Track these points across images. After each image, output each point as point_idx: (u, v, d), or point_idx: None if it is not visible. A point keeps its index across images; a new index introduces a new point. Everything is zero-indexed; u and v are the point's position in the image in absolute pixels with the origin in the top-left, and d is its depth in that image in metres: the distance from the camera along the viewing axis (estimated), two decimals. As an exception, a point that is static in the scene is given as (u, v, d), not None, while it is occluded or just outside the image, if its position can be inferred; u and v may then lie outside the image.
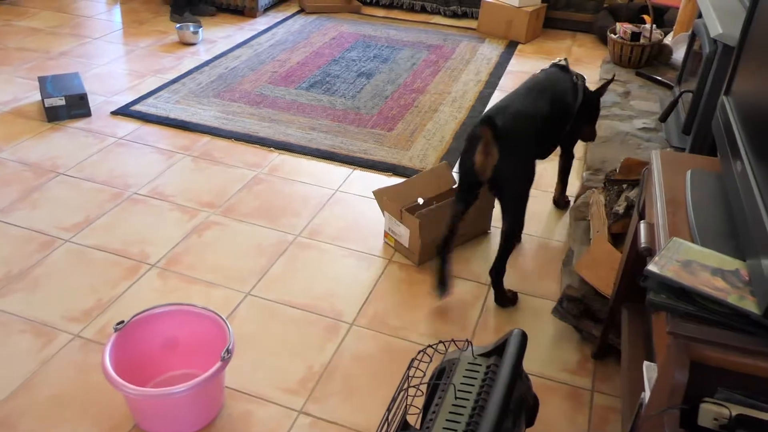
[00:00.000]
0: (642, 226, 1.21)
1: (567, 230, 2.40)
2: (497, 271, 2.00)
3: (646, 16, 4.23)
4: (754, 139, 1.10)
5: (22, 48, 3.78)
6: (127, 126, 2.99)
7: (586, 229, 2.15)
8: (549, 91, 2.04)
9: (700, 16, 2.79)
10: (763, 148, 1.03)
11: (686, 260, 0.98)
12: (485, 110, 2.20)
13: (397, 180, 2.66)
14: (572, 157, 2.48)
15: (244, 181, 2.61)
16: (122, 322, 1.53)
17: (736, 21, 2.30)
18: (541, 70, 2.25)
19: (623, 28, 3.53)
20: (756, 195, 0.98)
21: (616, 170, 2.23)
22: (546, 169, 2.79)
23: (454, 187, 2.41)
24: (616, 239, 1.97)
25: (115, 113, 3.09)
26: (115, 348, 1.49)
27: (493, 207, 2.34)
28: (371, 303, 2.02)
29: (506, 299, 2.05)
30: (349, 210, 2.47)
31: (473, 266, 2.20)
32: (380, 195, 2.25)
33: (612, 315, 1.68)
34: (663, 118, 2.61)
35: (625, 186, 2.02)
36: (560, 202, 2.58)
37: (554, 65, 2.27)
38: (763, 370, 0.89)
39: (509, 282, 2.12)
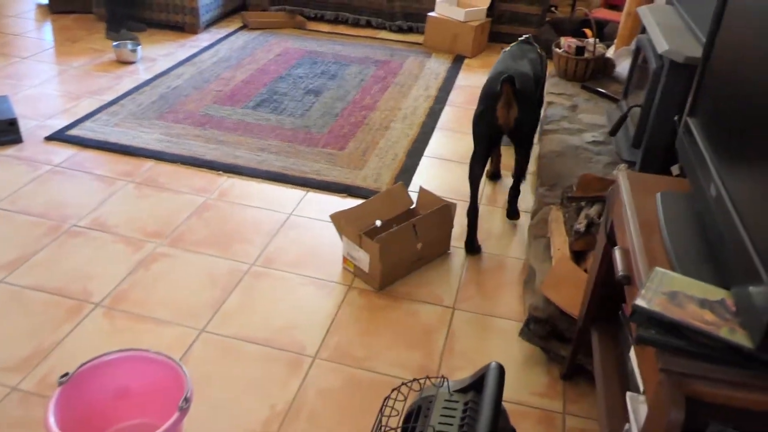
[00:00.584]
0: (617, 253, 1.19)
1: (525, 247, 2.38)
2: (515, 192, 2.48)
3: (587, 30, 4.32)
4: (727, 162, 1.09)
5: (-57, 70, 3.54)
6: (63, 152, 2.82)
7: (546, 246, 2.14)
8: (527, 58, 2.43)
9: (643, 31, 2.86)
10: (739, 173, 1.02)
11: (671, 291, 0.95)
12: (497, 69, 2.33)
13: (352, 201, 2.60)
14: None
15: (192, 208, 2.49)
16: (67, 374, 1.40)
17: (681, 37, 2.35)
18: (511, 46, 2.60)
19: (567, 42, 3.58)
20: (736, 222, 0.96)
21: (572, 187, 2.23)
22: (500, 186, 2.78)
23: (411, 207, 2.37)
24: (578, 257, 1.96)
25: (49, 138, 2.91)
26: (59, 403, 1.36)
27: (452, 227, 2.31)
28: (333, 333, 1.94)
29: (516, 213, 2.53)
30: (304, 235, 2.39)
31: (435, 289, 2.16)
32: (337, 219, 2.18)
33: (581, 335, 1.66)
34: (613, 133, 2.65)
35: (583, 203, 2.02)
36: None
37: (521, 41, 2.64)
38: (758, 403, 0.87)
39: (473, 304, 2.09)
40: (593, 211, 1.93)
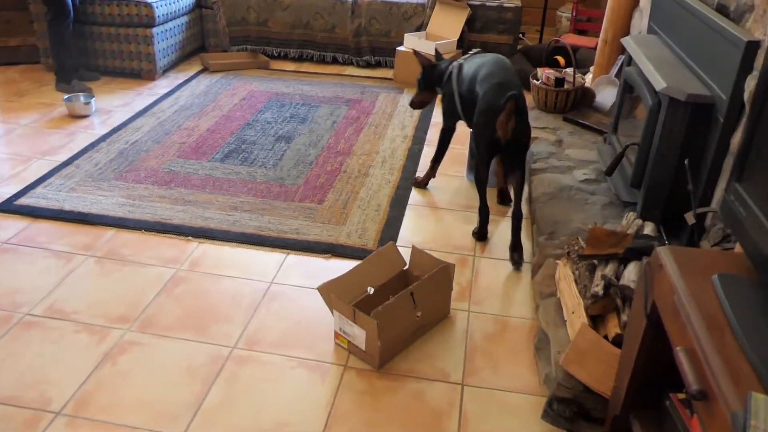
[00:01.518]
0: (683, 357, 1.00)
1: (530, 306, 2.20)
2: (518, 218, 2.45)
3: (559, 58, 4.22)
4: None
5: None
6: (13, 225, 2.55)
7: (556, 307, 1.96)
8: (512, 69, 2.61)
9: (629, 62, 2.74)
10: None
11: (778, 428, 0.77)
12: (493, 81, 2.44)
13: (337, 262, 2.39)
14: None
15: (161, 283, 2.25)
16: None
17: (677, 72, 2.22)
18: (476, 54, 2.77)
19: (545, 73, 3.46)
20: None
21: (578, 239, 2.07)
22: (500, 239, 2.61)
23: (405, 268, 2.17)
24: (594, 321, 1.79)
25: (-4, 210, 2.64)
26: None
27: (452, 289, 2.11)
28: (333, 427, 1.72)
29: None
30: (289, 307, 2.16)
31: (439, 362, 1.95)
32: (327, 292, 1.97)
33: (616, 423, 1.48)
34: (609, 172, 2.51)
35: (596, 261, 1.85)
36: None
37: (475, 53, 2.81)
38: None
39: (483, 377, 1.89)
40: (609, 270, 1.76)
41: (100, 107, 3.68)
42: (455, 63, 2.73)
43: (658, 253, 1.19)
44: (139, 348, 1.96)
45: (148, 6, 3.96)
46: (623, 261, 1.77)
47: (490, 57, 2.64)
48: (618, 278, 1.72)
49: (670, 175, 2.20)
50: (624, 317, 1.64)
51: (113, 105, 3.74)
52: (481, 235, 2.58)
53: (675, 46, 2.45)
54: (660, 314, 1.18)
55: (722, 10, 2.09)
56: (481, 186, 2.52)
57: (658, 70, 2.23)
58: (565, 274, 1.97)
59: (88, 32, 4.09)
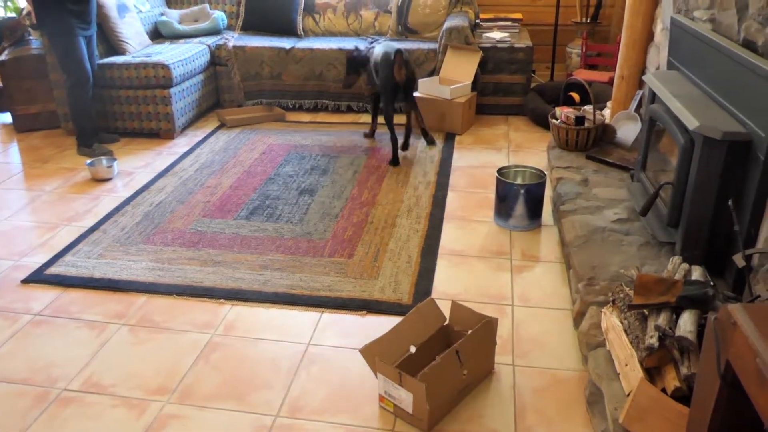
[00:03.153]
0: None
1: (577, 356, 2.14)
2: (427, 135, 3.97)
3: (573, 94, 4.24)
4: None
5: None
6: (44, 296, 2.53)
7: (607, 359, 1.90)
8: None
9: (654, 101, 2.73)
10: None
11: None
12: (385, 50, 3.60)
13: (373, 318, 2.35)
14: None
15: (197, 350, 2.21)
16: None
17: (708, 110, 2.20)
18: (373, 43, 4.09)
19: (564, 112, 3.46)
20: None
21: (622, 286, 2.02)
22: (537, 287, 2.56)
23: (445, 324, 2.12)
24: (649, 373, 1.73)
25: (26, 281, 2.62)
26: None
27: (496, 343, 2.06)
28: (386, 499, 1.65)
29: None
30: (329, 369, 2.11)
31: (490, 421, 1.89)
32: (370, 355, 1.92)
33: (689, 485, 1.40)
34: (644, 213, 2.47)
35: (647, 311, 1.80)
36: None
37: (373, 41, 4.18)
38: None
39: (537, 437, 1.82)
40: (662, 320, 1.71)
41: (122, 169, 3.71)
42: (370, 48, 3.86)
43: (731, 311, 1.15)
44: (180, 422, 1.91)
45: (166, 67, 4.01)
46: (676, 309, 1.72)
47: (384, 41, 4.09)
48: (672, 328, 1.67)
49: (709, 214, 2.16)
50: (684, 370, 1.59)
51: (135, 166, 3.76)
52: (394, 161, 3.65)
53: (700, 82, 2.44)
54: (738, 377, 1.13)
55: (749, 45, 2.08)
56: (390, 122, 3.62)
57: (688, 108, 2.21)
58: (612, 323, 1.92)
59: (107, 96, 4.14)
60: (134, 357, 2.19)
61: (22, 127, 4.33)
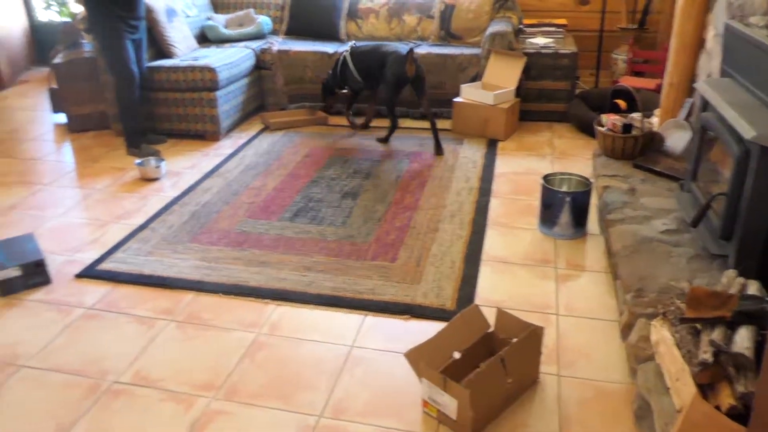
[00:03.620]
0: None
1: (624, 368, 2.11)
2: (435, 129, 4.00)
3: (619, 101, 4.17)
4: None
5: (-37, 206, 3.38)
6: (96, 291, 2.61)
7: (656, 373, 1.87)
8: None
9: (705, 108, 2.67)
10: None
11: None
12: (391, 48, 3.95)
13: (416, 323, 2.35)
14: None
15: (243, 348, 2.25)
16: None
17: (765, 119, 2.15)
18: (357, 46, 4.18)
19: (611, 120, 3.41)
20: None
21: (673, 299, 1.98)
22: (583, 297, 2.53)
23: (490, 331, 2.12)
24: (701, 388, 1.69)
25: (79, 276, 2.71)
26: None
27: (541, 353, 2.05)
28: (430, 504, 1.65)
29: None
30: (372, 372, 2.12)
31: None
32: (414, 359, 1.93)
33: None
34: (695, 224, 2.42)
35: (699, 325, 1.76)
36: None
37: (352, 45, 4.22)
38: None
39: (583, 448, 1.80)
40: (717, 335, 1.67)
41: (169, 169, 3.79)
42: (343, 56, 4.13)
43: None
44: (226, 417, 1.95)
45: (212, 71, 4.09)
46: (730, 325, 1.68)
47: (371, 44, 4.15)
48: (728, 344, 1.63)
49: (765, 226, 2.11)
50: (740, 387, 1.55)
51: (181, 167, 3.84)
52: (386, 140, 4.10)
53: (756, 90, 2.38)
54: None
55: (810, 54, 2.02)
56: (393, 108, 4.00)
57: (743, 117, 2.16)
58: (663, 336, 1.88)
59: (155, 98, 4.24)
60: (182, 353, 2.23)
61: (75, 127, 4.46)
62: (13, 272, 2.57)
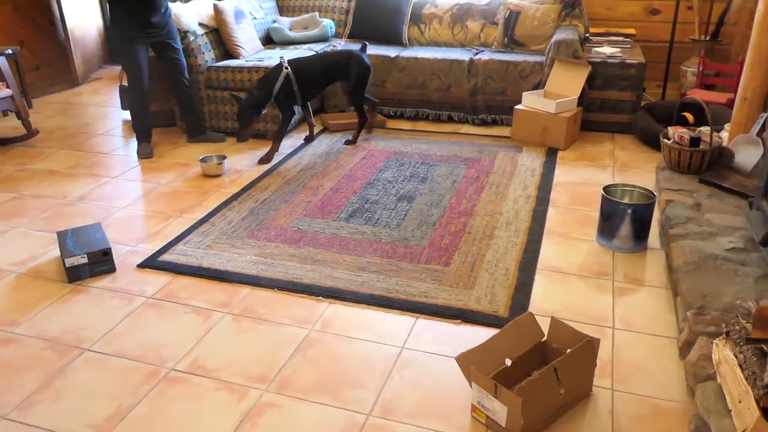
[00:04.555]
0: None
1: (681, 387, 2.04)
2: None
3: (687, 114, 4.04)
4: None
5: (37, 195, 3.56)
6: (156, 281, 2.70)
7: (717, 393, 1.80)
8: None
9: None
10: None
11: None
12: (336, 52, 4.17)
13: (467, 328, 2.34)
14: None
15: (295, 343, 2.29)
16: None
17: None
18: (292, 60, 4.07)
19: (678, 132, 3.31)
20: None
21: (738, 318, 1.91)
22: (640, 311, 2.47)
23: (543, 340, 2.08)
24: (766, 413, 1.62)
25: (141, 266, 2.81)
26: None
27: (596, 365, 2.00)
28: None
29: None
30: (422, 374, 2.12)
31: (585, 444, 1.84)
32: (465, 363, 1.92)
33: None
34: (765, 243, 2.33)
35: (766, 347, 1.69)
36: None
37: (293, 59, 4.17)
38: None
39: (636, 466, 1.75)
40: (785, 356, 1.60)
41: (230, 167, 3.89)
42: (285, 74, 3.93)
43: None
44: (277, 410, 1.98)
45: (277, 71, 4.17)
46: (801, 346, 1.61)
47: (305, 56, 4.18)
48: (797, 366, 1.55)
49: (841, 247, 2.00)
50: (809, 412, 1.48)
51: (242, 164, 3.94)
52: (354, 140, 4.23)
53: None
54: None
55: None
56: (363, 107, 4.17)
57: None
58: (725, 356, 1.81)
59: (219, 97, 4.37)
60: (236, 345, 2.29)
61: (143, 122, 4.64)
62: (81, 260, 2.69)
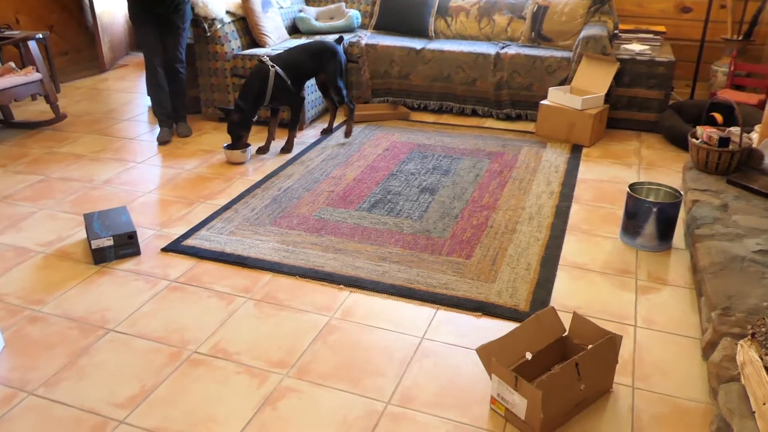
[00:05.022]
0: None
1: (704, 387, 2.02)
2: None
3: (716, 115, 3.98)
4: None
5: (65, 178, 3.61)
6: (180, 265, 2.73)
7: (740, 395, 1.78)
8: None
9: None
10: None
11: None
12: (316, 44, 4.05)
13: (488, 321, 2.34)
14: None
15: (316, 330, 2.30)
16: None
17: None
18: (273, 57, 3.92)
19: (707, 132, 3.26)
20: None
21: (764, 319, 1.88)
22: (663, 310, 2.44)
23: (564, 335, 2.08)
24: (792, 413, 1.60)
25: (165, 250, 2.84)
26: None
27: (617, 362, 1.99)
28: (493, 501, 1.64)
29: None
30: (441, 364, 2.13)
31: (604, 440, 1.83)
32: (486, 355, 1.92)
33: None
34: (794, 244, 2.28)
35: (795, 346, 1.66)
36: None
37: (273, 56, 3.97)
38: None
39: (656, 464, 1.74)
40: (813, 359, 1.58)
41: (253, 155, 3.91)
42: (273, 72, 3.77)
43: None
44: (297, 395, 2.00)
45: (302, 61, 4.18)
46: (830, 349, 1.58)
47: (283, 52, 3.99)
48: (825, 369, 1.53)
49: None
50: (836, 415, 1.45)
51: (265, 153, 3.95)
52: (328, 131, 4.26)
53: None
54: None
55: None
56: (335, 99, 4.15)
57: None
58: (750, 358, 1.79)
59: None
60: (258, 330, 2.31)
61: (168, 109, 4.68)
62: (106, 242, 2.73)
